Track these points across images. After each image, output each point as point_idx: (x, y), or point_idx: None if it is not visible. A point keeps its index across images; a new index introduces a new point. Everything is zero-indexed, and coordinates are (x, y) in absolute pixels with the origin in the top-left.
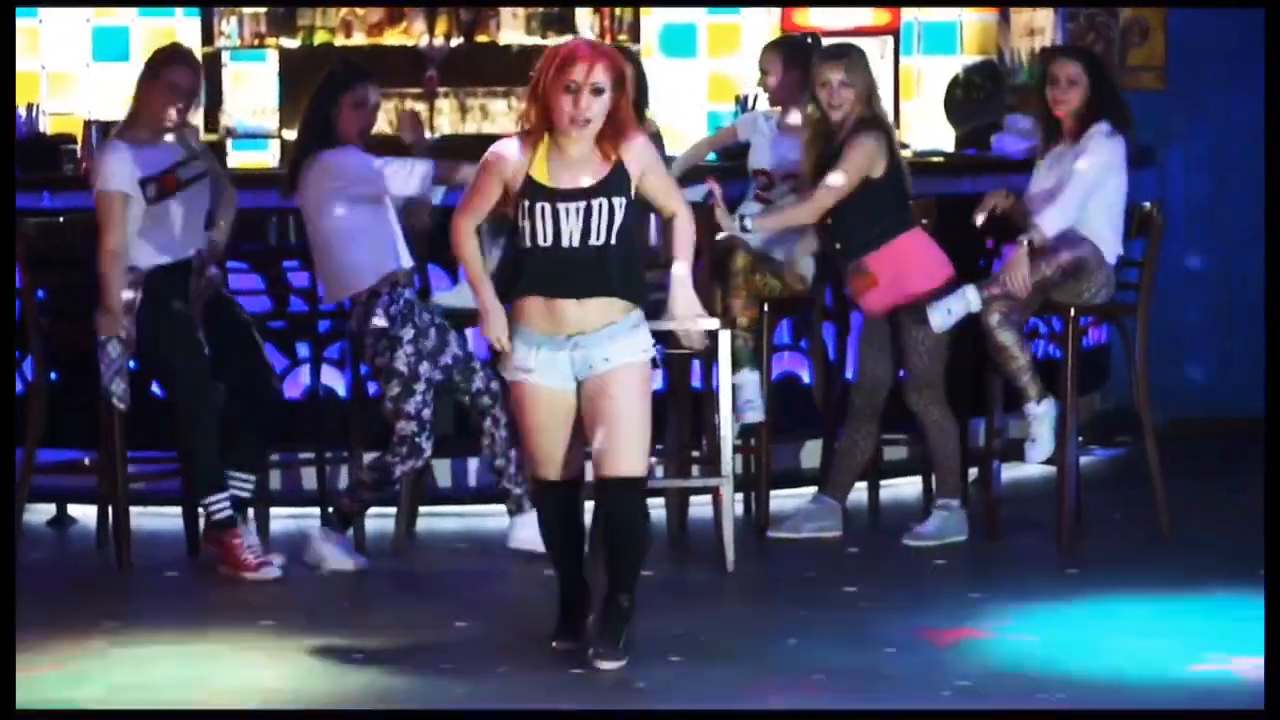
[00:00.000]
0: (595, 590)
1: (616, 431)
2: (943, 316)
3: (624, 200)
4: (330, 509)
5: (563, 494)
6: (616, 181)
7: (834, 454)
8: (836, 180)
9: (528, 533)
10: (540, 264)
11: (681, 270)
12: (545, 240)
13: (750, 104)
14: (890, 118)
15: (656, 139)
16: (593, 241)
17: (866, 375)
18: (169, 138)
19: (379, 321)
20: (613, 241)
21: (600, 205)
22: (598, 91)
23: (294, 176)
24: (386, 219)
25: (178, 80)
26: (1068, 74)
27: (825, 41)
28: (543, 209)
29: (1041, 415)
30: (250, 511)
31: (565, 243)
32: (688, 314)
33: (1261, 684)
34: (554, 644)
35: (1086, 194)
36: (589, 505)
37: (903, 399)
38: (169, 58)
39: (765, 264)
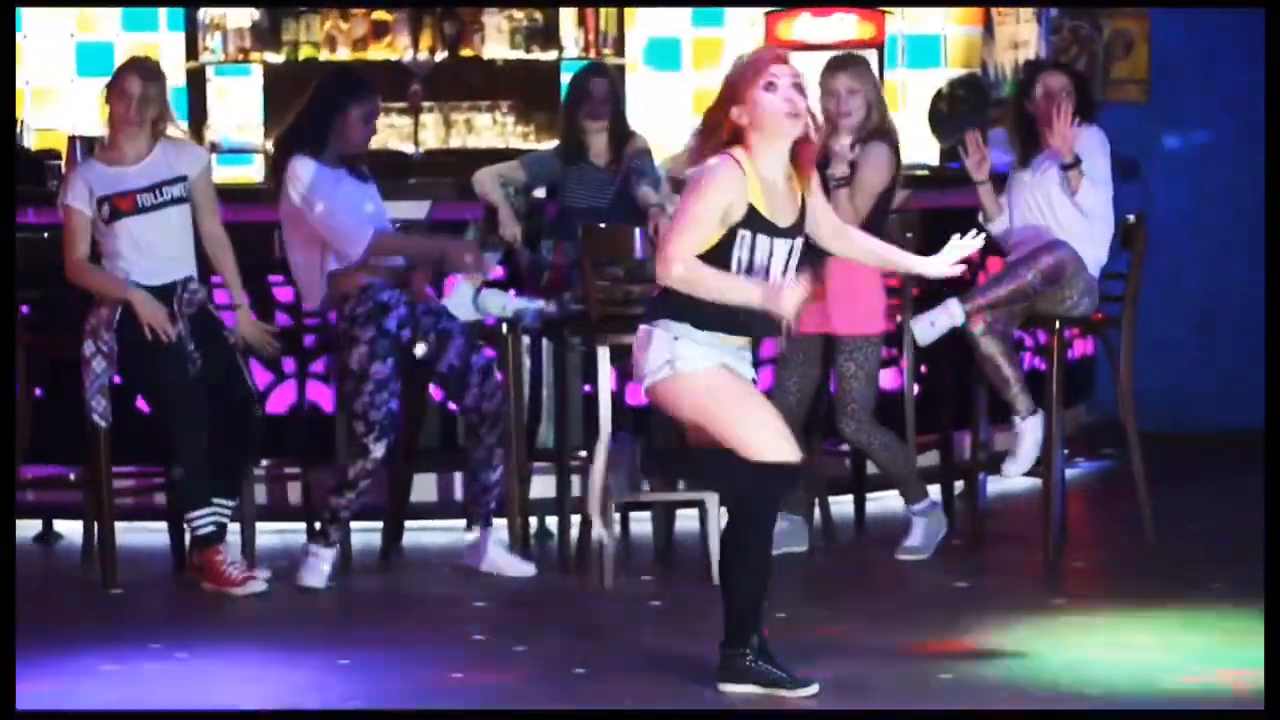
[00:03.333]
0: None
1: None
2: (925, 329)
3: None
4: (317, 523)
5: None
6: (802, 221)
7: None
8: (873, 187)
9: (499, 553)
10: None
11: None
12: (758, 276)
13: None
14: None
15: (646, 154)
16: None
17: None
18: (152, 157)
19: (340, 324)
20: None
21: (797, 245)
22: (800, 89)
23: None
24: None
25: (127, 87)
26: (1061, 85)
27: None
28: (762, 244)
29: (1029, 429)
30: (236, 526)
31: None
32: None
33: (1250, 694)
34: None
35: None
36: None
37: (836, 426)
38: (120, 68)
39: None
